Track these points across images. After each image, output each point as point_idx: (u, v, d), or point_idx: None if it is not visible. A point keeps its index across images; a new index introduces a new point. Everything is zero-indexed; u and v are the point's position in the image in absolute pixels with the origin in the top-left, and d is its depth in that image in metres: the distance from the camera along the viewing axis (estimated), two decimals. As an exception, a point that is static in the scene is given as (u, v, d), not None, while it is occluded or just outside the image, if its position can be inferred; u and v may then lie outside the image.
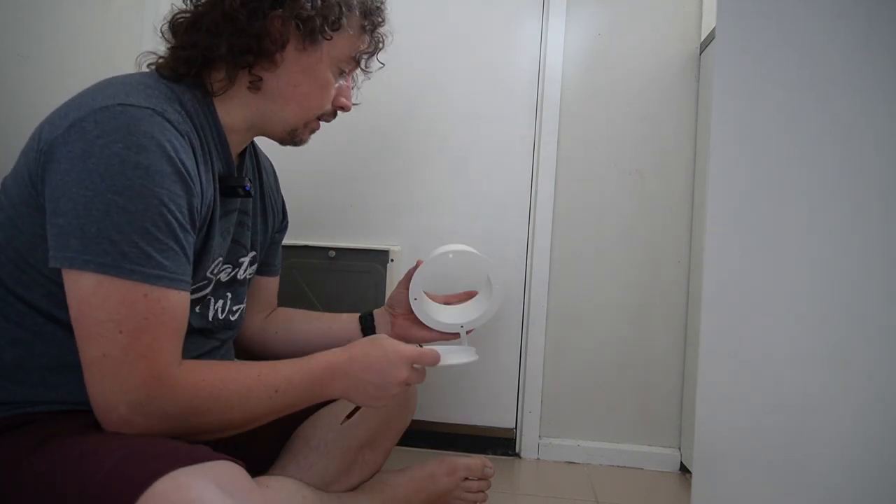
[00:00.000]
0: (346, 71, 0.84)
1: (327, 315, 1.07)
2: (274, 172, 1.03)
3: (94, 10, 1.49)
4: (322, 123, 0.87)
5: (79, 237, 0.61)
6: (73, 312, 0.63)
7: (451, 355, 0.87)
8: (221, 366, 0.72)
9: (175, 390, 0.65)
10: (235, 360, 0.95)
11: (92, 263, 0.61)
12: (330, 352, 0.79)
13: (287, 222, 1.06)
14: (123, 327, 0.62)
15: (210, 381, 0.68)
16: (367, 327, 1.05)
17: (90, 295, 0.62)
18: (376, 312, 1.07)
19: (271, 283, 1.06)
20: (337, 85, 0.84)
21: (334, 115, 0.87)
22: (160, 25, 0.79)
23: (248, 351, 1.02)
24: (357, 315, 1.06)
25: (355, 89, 0.92)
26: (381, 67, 0.91)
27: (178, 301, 0.67)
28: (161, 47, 0.78)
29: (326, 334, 1.03)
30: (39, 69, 1.49)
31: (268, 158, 1.02)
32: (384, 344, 0.81)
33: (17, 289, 0.69)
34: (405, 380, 0.79)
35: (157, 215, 0.64)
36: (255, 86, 0.78)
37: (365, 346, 0.80)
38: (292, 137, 0.84)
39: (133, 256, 0.63)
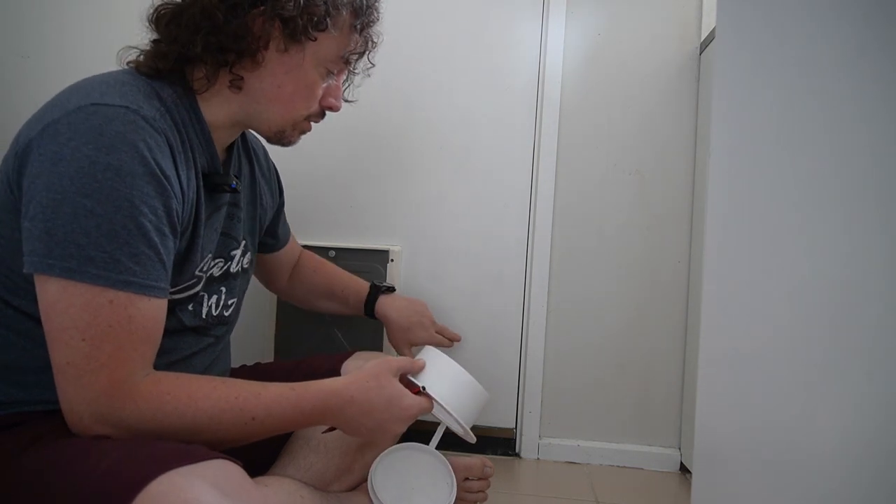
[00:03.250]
0: (335, 71, 0.81)
1: (339, 290, 1.17)
2: (264, 151, 1.02)
3: (95, 10, 1.49)
4: (315, 124, 0.85)
5: (45, 241, 0.60)
6: (42, 318, 0.62)
7: (446, 416, 0.85)
8: (194, 381, 0.67)
9: (136, 402, 0.62)
10: (229, 364, 0.95)
11: (56, 268, 0.60)
12: (328, 387, 0.74)
13: (283, 199, 1.08)
14: (86, 335, 0.61)
15: (176, 396, 0.64)
16: (370, 309, 1.17)
17: (55, 301, 0.61)
18: (381, 306, 1.17)
19: (280, 254, 1.11)
20: (325, 84, 0.80)
21: (322, 115, 0.84)
22: (146, 15, 0.76)
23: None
24: (363, 299, 1.17)
25: (350, 87, 0.90)
26: (372, 68, 0.88)
27: (147, 308, 0.64)
28: (146, 40, 0.75)
29: (338, 310, 1.19)
30: (40, 69, 1.49)
31: (257, 139, 0.99)
32: (391, 392, 0.76)
33: (4, 294, 0.69)
34: (401, 432, 0.79)
35: (128, 218, 0.62)
36: (236, 85, 0.75)
37: (370, 389, 0.75)
38: (279, 138, 0.82)
39: (100, 261, 0.61)
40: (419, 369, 0.84)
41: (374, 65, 0.88)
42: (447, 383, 0.83)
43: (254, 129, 0.82)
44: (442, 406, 0.82)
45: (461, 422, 0.83)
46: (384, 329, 1.34)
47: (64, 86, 0.71)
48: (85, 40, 1.48)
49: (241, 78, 0.75)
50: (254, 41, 0.73)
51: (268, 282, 1.17)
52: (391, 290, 1.19)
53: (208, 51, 0.72)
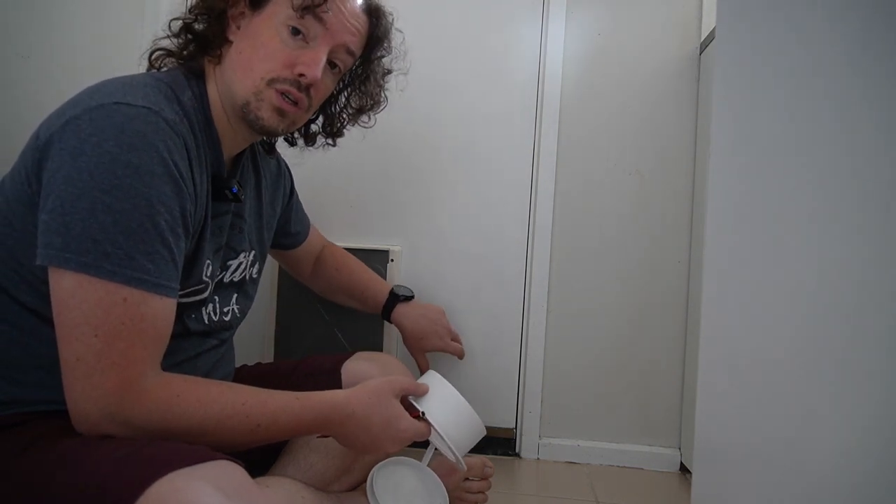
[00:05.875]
0: (302, 30, 0.76)
1: (359, 291, 1.21)
2: (280, 169, 1.03)
3: (94, 10, 1.48)
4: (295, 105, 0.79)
5: (62, 234, 0.61)
6: (54, 312, 0.62)
7: (440, 442, 0.85)
8: (203, 385, 0.68)
9: (145, 403, 0.62)
10: (233, 365, 0.95)
11: (73, 262, 0.60)
12: (330, 399, 0.75)
13: (294, 196, 1.11)
14: (99, 331, 0.61)
15: (185, 399, 0.64)
16: (386, 314, 1.21)
17: (69, 295, 0.61)
18: (397, 314, 1.20)
19: (300, 249, 1.15)
20: (297, 52, 0.76)
21: (299, 87, 0.77)
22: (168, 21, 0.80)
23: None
24: (381, 304, 1.20)
25: (372, 106, 0.94)
26: (404, 82, 0.92)
27: (159, 308, 0.65)
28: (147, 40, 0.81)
29: (357, 307, 1.24)
30: (39, 69, 1.49)
31: (284, 164, 1.06)
32: (390, 413, 0.77)
33: (10, 289, 0.69)
34: (394, 451, 0.80)
35: (145, 216, 0.63)
36: (217, 58, 0.79)
37: (370, 406, 0.76)
38: (247, 114, 0.76)
39: (115, 257, 0.61)
40: (422, 393, 0.84)
41: (375, 62, 0.90)
42: (447, 412, 0.83)
43: (238, 115, 0.78)
44: (440, 434, 0.82)
45: (455, 452, 0.84)
46: (384, 330, 1.34)
47: (63, 86, 0.71)
48: (85, 40, 1.48)
49: (221, 53, 0.79)
50: (228, 24, 0.78)
51: (292, 271, 1.24)
52: (409, 298, 1.22)
53: (198, 46, 0.78)
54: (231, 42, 0.79)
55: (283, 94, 0.77)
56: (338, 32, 0.79)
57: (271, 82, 0.76)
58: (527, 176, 1.44)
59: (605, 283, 1.44)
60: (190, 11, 0.79)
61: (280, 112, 0.78)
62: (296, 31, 0.76)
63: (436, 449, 0.87)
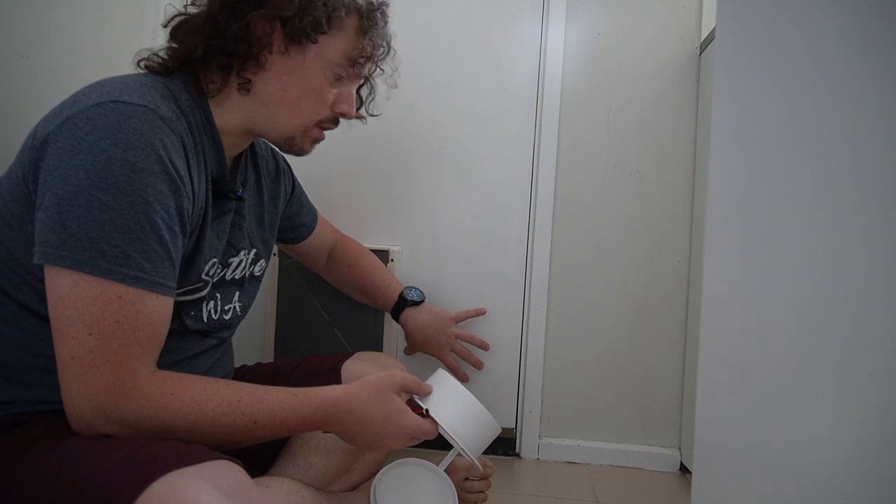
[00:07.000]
0: (344, 76, 0.81)
1: (370, 291, 1.23)
2: (279, 167, 1.03)
3: (94, 10, 1.48)
4: (326, 132, 0.86)
5: (58, 233, 0.60)
6: (50, 310, 0.62)
7: (452, 435, 0.82)
8: (198, 382, 0.67)
9: (138, 400, 0.62)
10: (232, 364, 0.95)
11: (68, 260, 0.60)
12: (328, 395, 0.74)
13: (296, 190, 1.10)
14: (94, 329, 0.61)
15: (179, 396, 0.64)
16: (395, 315, 1.22)
17: (65, 293, 0.61)
18: (405, 316, 1.21)
19: (310, 241, 1.16)
20: (337, 91, 0.82)
21: (336, 122, 0.85)
22: (162, 23, 0.79)
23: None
24: (390, 306, 1.21)
25: (373, 100, 0.93)
26: (380, 74, 0.90)
27: (155, 306, 0.65)
28: (146, 41, 0.79)
29: (369, 304, 1.26)
30: (39, 69, 1.49)
31: (267, 144, 1.02)
32: (389, 408, 0.76)
33: (9, 289, 0.69)
34: (398, 448, 0.80)
35: (142, 215, 0.63)
36: (245, 87, 0.77)
37: (370, 402, 0.76)
38: (290, 146, 0.82)
39: (111, 255, 0.61)
40: (425, 393, 0.84)
41: (382, 71, 0.90)
42: (453, 409, 0.82)
43: (264, 137, 0.83)
44: (447, 432, 0.81)
45: (463, 448, 0.83)
46: (384, 330, 1.34)
47: (63, 86, 0.71)
48: (84, 40, 1.48)
49: (249, 80, 0.77)
50: (255, 43, 0.74)
51: (306, 264, 1.25)
52: (417, 303, 1.23)
53: (212, 54, 0.74)
54: (263, 69, 0.76)
55: (324, 128, 0.84)
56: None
57: (319, 123, 0.82)
58: (527, 176, 1.44)
59: (605, 283, 1.44)
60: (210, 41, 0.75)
61: (317, 142, 0.85)
62: (340, 77, 0.81)
63: (459, 453, 0.86)
